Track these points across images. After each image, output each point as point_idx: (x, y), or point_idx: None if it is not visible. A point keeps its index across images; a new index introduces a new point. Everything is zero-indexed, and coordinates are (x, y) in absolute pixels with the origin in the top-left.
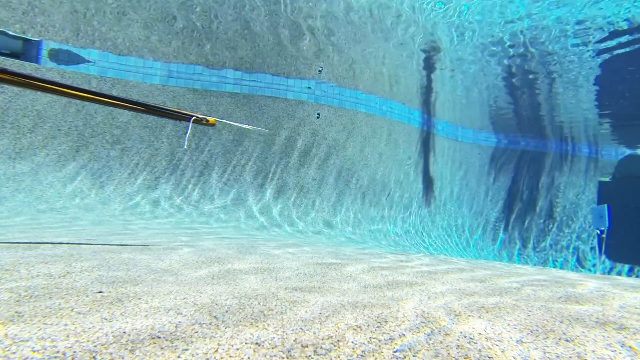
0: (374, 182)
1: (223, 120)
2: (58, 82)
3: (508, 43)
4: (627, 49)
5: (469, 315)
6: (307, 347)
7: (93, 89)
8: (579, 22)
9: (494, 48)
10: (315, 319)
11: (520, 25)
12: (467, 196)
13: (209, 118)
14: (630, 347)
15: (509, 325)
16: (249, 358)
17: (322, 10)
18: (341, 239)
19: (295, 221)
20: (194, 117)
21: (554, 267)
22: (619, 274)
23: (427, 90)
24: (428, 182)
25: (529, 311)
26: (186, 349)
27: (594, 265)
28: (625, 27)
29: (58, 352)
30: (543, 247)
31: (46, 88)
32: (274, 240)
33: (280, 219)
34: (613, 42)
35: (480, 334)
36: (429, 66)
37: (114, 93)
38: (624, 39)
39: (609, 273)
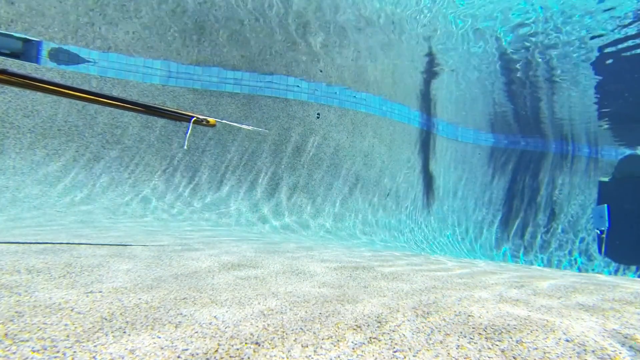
0: (375, 183)
1: (223, 121)
2: (58, 83)
3: (510, 43)
4: (630, 53)
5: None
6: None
7: (93, 90)
8: (580, 24)
9: (496, 48)
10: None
11: (522, 27)
12: (469, 197)
13: (209, 119)
14: None
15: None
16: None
17: (323, 10)
18: (354, 241)
19: (300, 222)
20: (194, 118)
21: (558, 268)
22: (624, 274)
23: (427, 90)
24: (429, 182)
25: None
26: (186, 349)
27: (593, 268)
28: (621, 34)
29: (58, 352)
30: (546, 248)
31: (46, 88)
32: (287, 241)
33: (284, 219)
34: (614, 46)
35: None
36: (430, 66)
37: (114, 93)
38: (625, 42)
39: (611, 274)
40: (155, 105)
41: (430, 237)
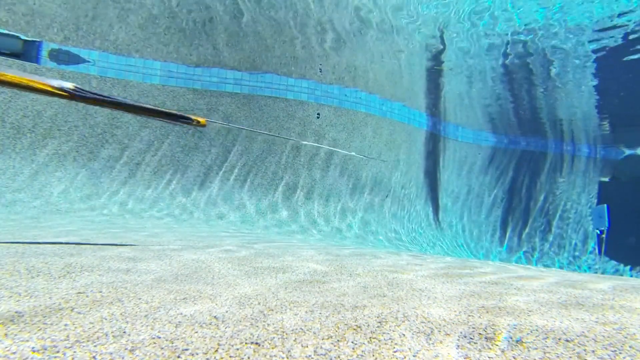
0: (375, 183)
1: (220, 122)
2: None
3: (510, 43)
4: (628, 51)
5: None
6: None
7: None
8: (579, 25)
9: (496, 47)
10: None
11: (522, 26)
12: (470, 198)
13: (200, 119)
14: None
15: None
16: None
17: (323, 9)
18: (366, 242)
19: (297, 222)
20: (187, 119)
21: (561, 269)
22: (622, 274)
23: (427, 90)
24: (428, 182)
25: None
26: (186, 349)
27: (589, 268)
28: (620, 33)
29: (58, 352)
30: (547, 249)
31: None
32: (281, 241)
33: (282, 219)
34: (613, 44)
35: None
36: (429, 66)
37: (114, 93)
38: (624, 41)
39: (610, 274)
40: (154, 107)
41: (433, 238)
